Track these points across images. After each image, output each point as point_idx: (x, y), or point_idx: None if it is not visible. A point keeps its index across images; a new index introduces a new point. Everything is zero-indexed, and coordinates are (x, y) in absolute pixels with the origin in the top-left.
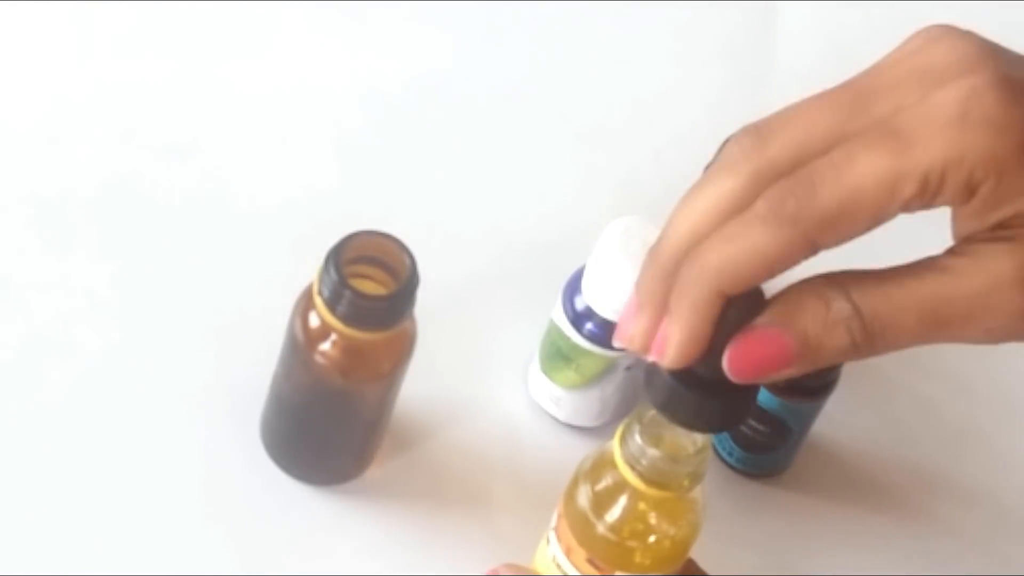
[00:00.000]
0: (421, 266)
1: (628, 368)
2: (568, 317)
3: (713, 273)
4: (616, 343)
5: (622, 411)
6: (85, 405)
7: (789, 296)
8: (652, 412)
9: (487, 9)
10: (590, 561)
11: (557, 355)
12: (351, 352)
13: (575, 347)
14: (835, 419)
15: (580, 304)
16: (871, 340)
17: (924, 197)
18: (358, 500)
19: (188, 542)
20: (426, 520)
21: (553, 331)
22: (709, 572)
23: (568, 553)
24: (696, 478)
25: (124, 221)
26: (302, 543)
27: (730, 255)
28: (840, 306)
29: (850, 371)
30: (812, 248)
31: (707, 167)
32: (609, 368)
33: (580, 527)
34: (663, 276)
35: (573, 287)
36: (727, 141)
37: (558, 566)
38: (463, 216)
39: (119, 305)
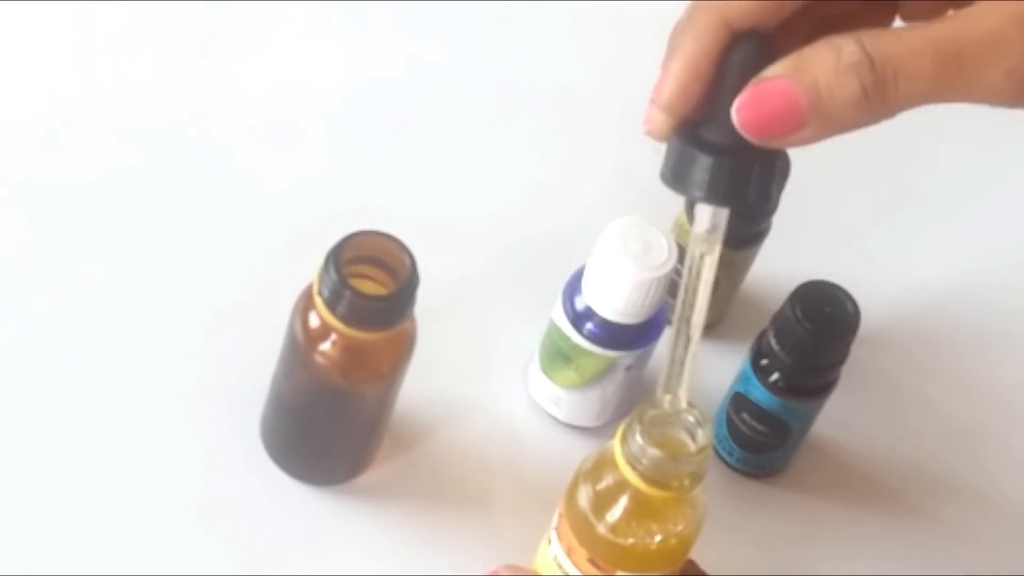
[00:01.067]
0: (421, 266)
1: (628, 368)
2: (568, 317)
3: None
4: (647, 119)
5: (622, 411)
6: (84, 405)
7: (801, 48)
8: (653, 411)
9: (487, 8)
10: (591, 561)
11: (557, 355)
12: (351, 352)
13: (575, 347)
14: (835, 419)
15: (580, 304)
16: (883, 87)
17: None
18: (358, 500)
19: (188, 542)
20: (426, 520)
21: (553, 331)
22: (709, 572)
23: (569, 553)
24: (697, 478)
25: (123, 220)
26: (302, 543)
27: None
28: (850, 50)
29: (850, 371)
30: None
31: None
32: (609, 368)
33: (581, 527)
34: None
35: (573, 287)
36: None
37: (559, 566)
38: (463, 216)
39: (118, 304)
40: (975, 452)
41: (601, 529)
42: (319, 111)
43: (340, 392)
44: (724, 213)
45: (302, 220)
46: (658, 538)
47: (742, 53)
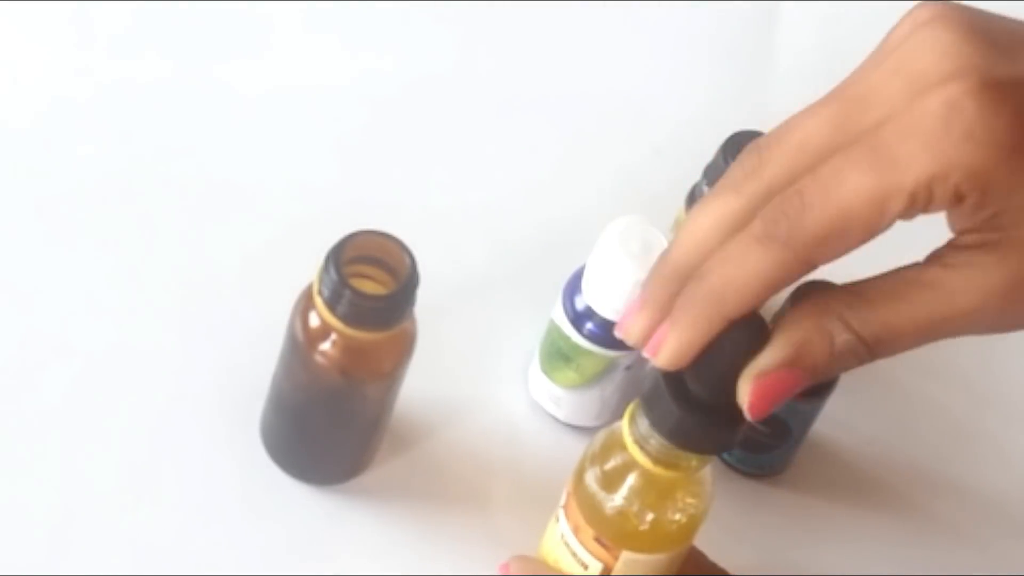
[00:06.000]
0: (421, 266)
1: (628, 368)
2: (568, 317)
3: (717, 296)
4: (617, 333)
5: (622, 411)
6: (84, 405)
7: (791, 333)
8: None
9: (488, 8)
10: (598, 540)
11: (557, 355)
12: (351, 352)
13: (575, 347)
14: (835, 419)
15: (580, 304)
16: (874, 357)
17: (914, 210)
18: (358, 500)
19: (188, 542)
20: (426, 520)
21: (553, 331)
22: None
23: (576, 531)
24: (704, 458)
25: (123, 220)
26: (302, 543)
27: (731, 276)
28: (845, 339)
29: (850, 371)
30: (808, 266)
31: (707, 168)
32: (609, 368)
33: (589, 506)
34: (668, 283)
35: (573, 287)
36: (728, 143)
37: (566, 544)
38: (463, 216)
39: (118, 305)
40: (975, 452)
41: (608, 509)
42: (319, 110)
43: (340, 392)
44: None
45: (302, 220)
46: (666, 518)
47: (739, 334)
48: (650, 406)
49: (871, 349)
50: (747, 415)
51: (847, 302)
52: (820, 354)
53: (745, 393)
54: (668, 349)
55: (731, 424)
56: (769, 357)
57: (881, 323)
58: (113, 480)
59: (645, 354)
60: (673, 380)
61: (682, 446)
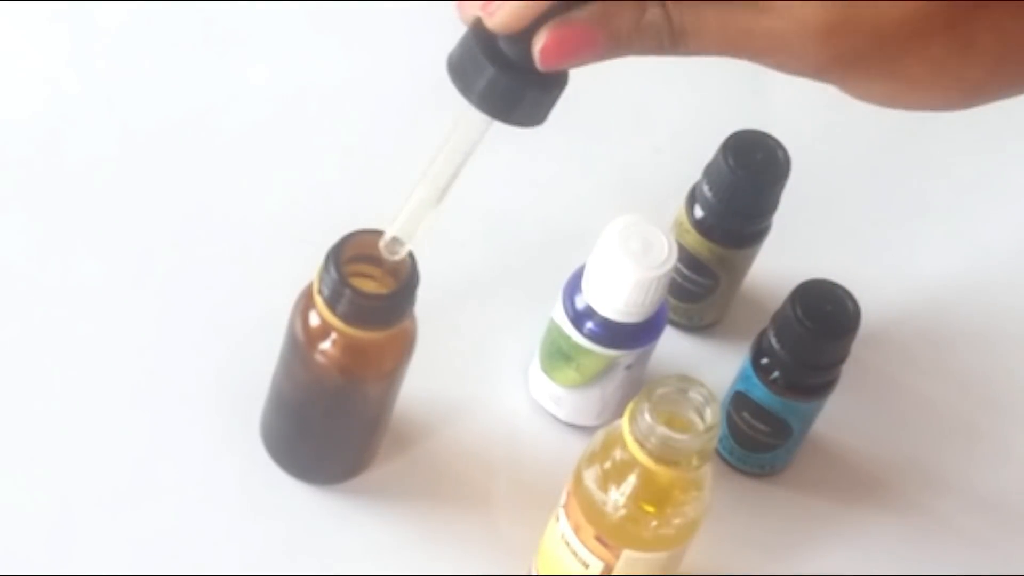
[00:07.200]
0: (421, 265)
1: (628, 367)
2: (568, 316)
3: None
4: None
5: (622, 410)
6: (84, 405)
7: None
8: (662, 390)
9: None
10: (599, 539)
11: (557, 354)
12: (351, 351)
13: (575, 346)
14: (835, 419)
15: (580, 303)
16: (675, 47)
17: None
18: (358, 500)
19: (188, 541)
20: (426, 520)
21: (553, 330)
22: (709, 572)
23: (577, 530)
24: (704, 456)
25: (123, 220)
26: (302, 543)
27: None
28: (654, 15)
29: (850, 370)
30: None
31: (707, 168)
32: (609, 367)
33: (589, 504)
34: None
35: (573, 286)
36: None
37: (567, 543)
38: (463, 215)
39: (118, 304)
40: (975, 451)
41: (609, 507)
42: (319, 110)
43: (340, 391)
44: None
45: (302, 219)
46: (666, 516)
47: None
48: (460, 71)
49: (673, 37)
50: (536, 61)
51: None
52: (626, 20)
53: (540, 38)
54: (509, 8)
55: (544, 87)
56: (576, 10)
57: (694, 15)
58: (113, 480)
59: (480, 12)
60: (485, 39)
61: (494, 111)
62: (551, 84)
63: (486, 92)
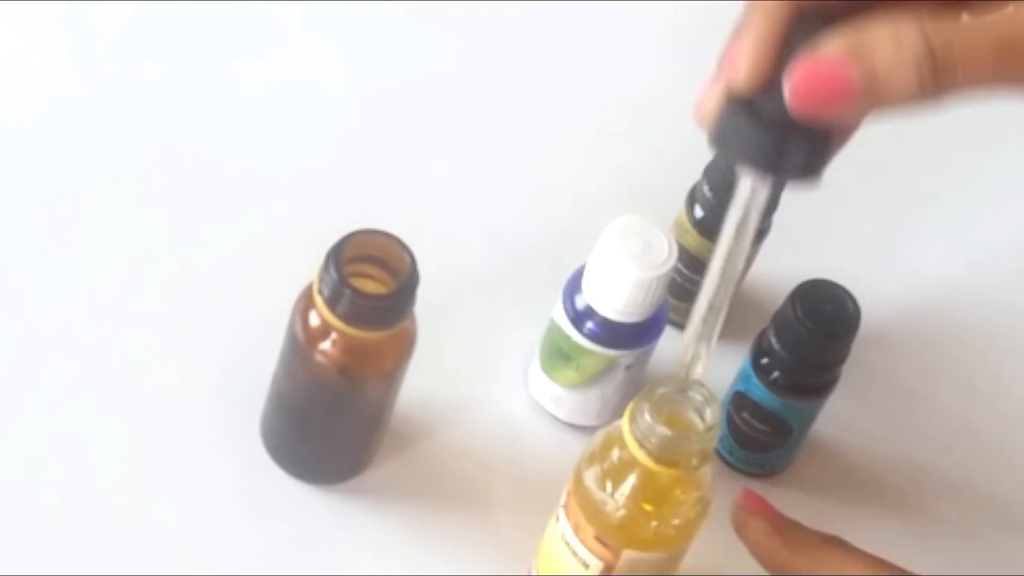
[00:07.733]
0: (421, 265)
1: (628, 367)
2: (568, 316)
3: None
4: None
5: (622, 410)
6: (84, 405)
7: (859, 24)
8: (662, 390)
9: (487, 8)
10: (599, 539)
11: (557, 354)
12: (351, 351)
13: (575, 346)
14: (835, 419)
15: (580, 303)
16: (942, 79)
17: None
18: (358, 500)
19: (189, 541)
20: (426, 520)
21: (553, 330)
22: (709, 572)
23: (577, 531)
24: (705, 456)
25: (123, 219)
26: (302, 543)
27: None
28: (913, 41)
29: (850, 370)
30: None
31: (707, 168)
32: (609, 367)
33: (589, 505)
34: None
35: (573, 286)
36: None
37: (567, 543)
38: (463, 215)
39: (118, 304)
40: (976, 451)
41: (609, 507)
42: (319, 110)
43: (340, 391)
44: (762, 191)
45: (302, 218)
46: (666, 517)
47: (807, 28)
48: (725, 143)
49: (939, 64)
50: (788, 101)
51: (931, 8)
52: (883, 53)
53: (792, 76)
54: (744, 57)
55: (812, 138)
56: (828, 44)
57: (957, 30)
58: (113, 480)
59: (724, 79)
60: (742, 106)
61: (767, 168)
62: (817, 133)
63: (750, 152)
